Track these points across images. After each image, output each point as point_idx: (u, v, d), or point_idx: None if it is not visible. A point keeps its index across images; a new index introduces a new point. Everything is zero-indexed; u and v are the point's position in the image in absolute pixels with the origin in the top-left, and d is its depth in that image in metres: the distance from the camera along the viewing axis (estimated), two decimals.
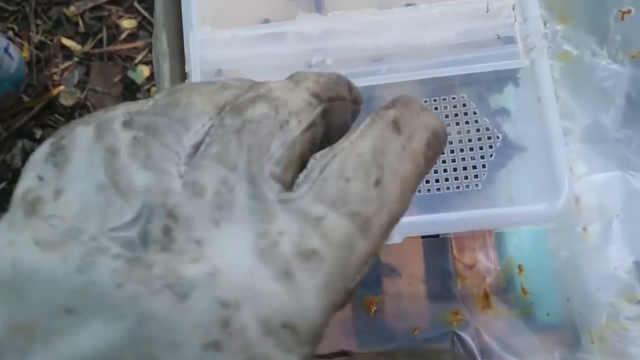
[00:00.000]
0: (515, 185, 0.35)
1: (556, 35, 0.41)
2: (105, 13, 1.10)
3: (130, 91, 1.08)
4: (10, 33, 1.10)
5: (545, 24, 0.42)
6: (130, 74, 1.08)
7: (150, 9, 1.10)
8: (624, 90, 0.41)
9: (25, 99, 1.07)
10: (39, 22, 1.10)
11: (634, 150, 0.40)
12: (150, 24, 1.10)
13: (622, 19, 0.41)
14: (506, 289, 0.37)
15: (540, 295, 0.37)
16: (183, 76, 0.39)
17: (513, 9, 0.36)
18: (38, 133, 1.06)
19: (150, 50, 1.09)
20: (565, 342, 0.35)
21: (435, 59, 0.36)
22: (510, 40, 0.36)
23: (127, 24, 1.10)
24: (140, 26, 1.10)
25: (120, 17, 1.10)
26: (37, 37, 1.09)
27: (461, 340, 0.35)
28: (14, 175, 1.04)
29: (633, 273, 0.35)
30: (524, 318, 0.36)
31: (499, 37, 0.36)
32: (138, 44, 1.09)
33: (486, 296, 0.36)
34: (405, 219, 0.32)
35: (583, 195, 0.38)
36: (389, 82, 0.36)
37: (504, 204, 0.35)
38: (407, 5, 0.37)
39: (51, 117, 1.06)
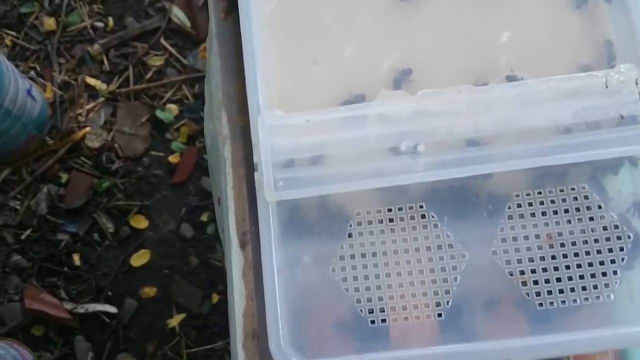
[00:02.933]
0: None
1: None
2: (130, 50, 1.08)
3: (159, 131, 1.05)
4: (33, 73, 1.07)
5: None
6: (159, 113, 1.05)
7: (178, 46, 1.08)
8: None
9: (50, 141, 1.04)
10: (62, 60, 1.08)
11: None
12: (179, 61, 1.07)
13: None
14: None
15: None
16: (245, 161, 0.35)
17: (636, 83, 0.30)
18: (64, 177, 1.04)
19: (179, 89, 1.06)
20: None
21: (547, 142, 0.31)
22: (634, 120, 0.30)
23: (154, 61, 1.07)
24: (167, 63, 1.07)
25: (146, 54, 1.07)
26: (60, 77, 1.07)
27: None
28: (39, 222, 1.01)
29: None
30: None
31: (622, 117, 0.30)
32: (166, 81, 1.06)
33: None
34: (521, 341, 0.27)
35: None
36: (494, 171, 0.31)
37: (633, 317, 0.29)
38: (509, 79, 0.32)
39: (77, 160, 1.04)
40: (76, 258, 1.01)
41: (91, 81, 1.07)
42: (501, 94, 0.32)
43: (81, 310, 0.99)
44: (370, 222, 0.32)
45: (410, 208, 0.32)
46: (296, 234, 0.32)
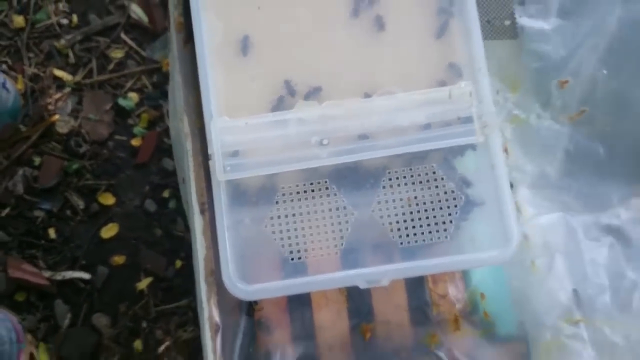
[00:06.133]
0: (477, 234, 0.44)
1: (507, 102, 0.51)
2: (93, 44, 1.17)
3: (122, 117, 1.15)
4: (5, 67, 1.16)
5: (497, 92, 0.51)
6: (121, 101, 1.15)
7: (137, 40, 1.18)
8: (564, 146, 0.50)
9: (23, 129, 1.13)
10: (31, 55, 1.16)
11: (573, 196, 0.49)
12: (138, 53, 1.17)
13: (562, 87, 0.51)
14: (471, 313, 0.47)
15: (499, 317, 0.47)
16: (202, 152, 0.48)
17: (470, 95, 0.45)
18: (37, 160, 1.12)
19: (139, 78, 1.16)
20: (519, 355, 0.45)
21: (410, 136, 0.45)
22: (468, 120, 0.45)
23: (115, 54, 1.16)
24: (127, 55, 1.17)
25: (108, 47, 1.17)
26: (30, 70, 1.15)
27: (437, 357, 0.45)
28: (17, 201, 1.11)
29: (572, 299, 0.45)
30: (486, 336, 0.46)
31: (459, 118, 0.45)
32: (127, 72, 1.16)
33: (456, 320, 0.46)
34: (390, 266, 0.41)
35: (531, 234, 0.48)
36: (376, 155, 0.45)
37: (467, 250, 0.44)
38: (387, 92, 0.46)
39: (48, 144, 1.13)
40: (52, 232, 1.10)
41: (59, 73, 1.16)
42: (381, 103, 0.46)
43: (59, 278, 1.07)
44: (291, 193, 0.46)
45: (319, 183, 0.46)
46: (239, 203, 0.46)
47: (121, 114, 1.15)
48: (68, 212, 1.12)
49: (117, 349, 1.08)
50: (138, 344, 1.08)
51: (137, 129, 1.14)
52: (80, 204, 1.13)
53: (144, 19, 1.18)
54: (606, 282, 0.47)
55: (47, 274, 1.09)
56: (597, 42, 0.50)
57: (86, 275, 1.10)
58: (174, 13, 0.49)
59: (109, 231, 1.12)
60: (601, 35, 0.50)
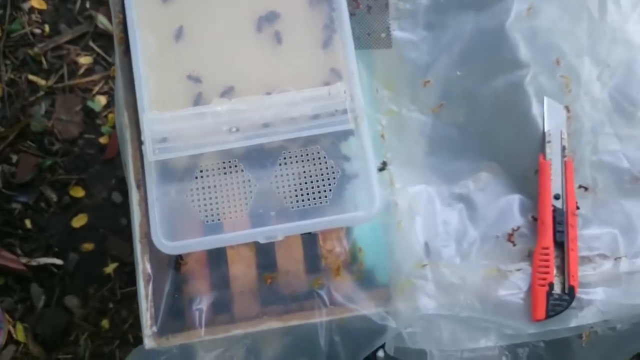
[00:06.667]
0: (351, 200, 0.57)
1: (384, 98, 0.64)
2: (64, 52, 1.28)
3: (90, 118, 1.26)
4: None
5: (377, 91, 0.64)
6: (90, 103, 1.26)
7: (104, 47, 1.29)
8: (427, 133, 0.63)
9: (1, 129, 1.24)
10: (8, 62, 1.27)
11: (434, 171, 0.62)
12: (105, 60, 1.29)
13: (425, 86, 0.64)
14: (351, 264, 0.59)
15: (372, 266, 0.59)
16: (137, 138, 0.60)
17: (344, 92, 0.58)
18: (14, 158, 1.22)
19: (106, 83, 1.28)
20: (384, 295, 0.58)
21: (300, 125, 0.58)
22: (344, 112, 0.58)
23: (84, 60, 1.27)
24: (95, 62, 1.28)
25: (78, 54, 1.28)
26: (7, 75, 1.26)
27: (320, 296, 0.58)
28: None
29: (423, 250, 0.59)
30: (360, 281, 0.59)
31: (336, 110, 0.58)
32: (95, 77, 1.27)
33: (338, 269, 0.59)
34: (283, 225, 0.54)
35: (400, 201, 0.61)
36: (274, 140, 0.58)
37: (343, 212, 0.57)
38: (282, 90, 0.59)
39: (24, 143, 1.23)
40: (28, 222, 1.19)
41: (33, 78, 1.25)
42: (278, 99, 0.58)
43: (34, 264, 1.16)
44: (207, 170, 0.58)
45: (229, 162, 0.58)
46: (166, 180, 0.58)
47: (90, 115, 1.25)
48: (42, 205, 1.22)
49: (86, 327, 1.18)
50: (105, 323, 1.17)
51: (104, 128, 1.25)
52: (54, 196, 1.22)
53: (110, 28, 1.28)
54: (452, 237, 0.60)
55: (23, 260, 1.17)
56: (453, 49, 0.63)
57: (59, 261, 1.19)
58: (116, 30, 0.62)
59: (79, 221, 1.22)
60: (457, 44, 0.63)
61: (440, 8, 0.64)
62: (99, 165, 1.24)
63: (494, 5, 0.63)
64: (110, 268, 1.20)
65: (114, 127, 1.25)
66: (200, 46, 0.60)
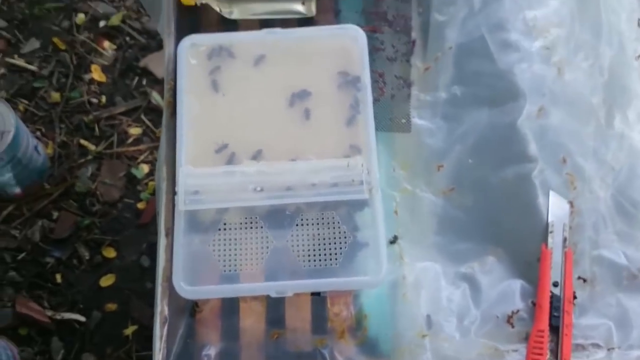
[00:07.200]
0: (360, 265, 0.61)
1: (400, 177, 0.69)
2: (117, 122, 1.39)
3: (132, 184, 1.35)
4: (38, 133, 1.37)
5: (394, 169, 0.69)
6: (133, 170, 1.35)
7: (154, 121, 1.39)
8: (438, 213, 0.68)
9: (47, 186, 1.33)
10: (62, 126, 1.38)
11: (441, 250, 0.66)
12: (152, 132, 1.38)
13: (439, 170, 0.69)
14: (356, 328, 0.63)
15: (376, 333, 0.62)
16: (172, 190, 0.66)
17: (362, 166, 0.63)
18: (55, 214, 1.31)
19: (151, 153, 1.37)
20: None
21: (319, 190, 0.63)
22: (360, 183, 0.63)
23: (134, 131, 1.38)
24: (144, 133, 1.38)
25: (129, 125, 1.39)
26: (60, 138, 1.37)
27: (323, 356, 0.61)
28: (33, 248, 1.29)
29: (425, 321, 0.62)
30: (362, 346, 0.61)
31: (353, 181, 0.63)
32: (141, 147, 1.37)
33: (342, 332, 0.62)
34: (296, 282, 0.58)
35: (408, 275, 0.65)
36: (294, 202, 0.63)
37: (351, 276, 0.61)
38: (307, 159, 0.65)
39: (67, 202, 1.32)
40: (58, 277, 1.26)
41: (84, 142, 1.36)
42: (301, 166, 0.64)
43: (58, 317, 1.22)
44: (230, 224, 0.63)
45: (251, 218, 0.63)
46: (193, 229, 0.63)
47: (132, 181, 1.35)
48: (75, 261, 1.29)
49: None
50: None
51: (143, 195, 1.33)
52: (86, 254, 1.29)
53: (161, 104, 1.39)
54: (454, 314, 0.63)
55: (49, 313, 1.24)
56: (467, 139, 0.68)
57: (82, 318, 1.25)
58: (166, 95, 0.69)
59: (107, 280, 1.28)
60: (470, 135, 0.68)
61: (457, 102, 0.70)
62: (133, 228, 1.32)
63: (507, 103, 0.68)
64: (129, 330, 1.25)
65: (152, 193, 1.33)
66: (238, 113, 0.67)
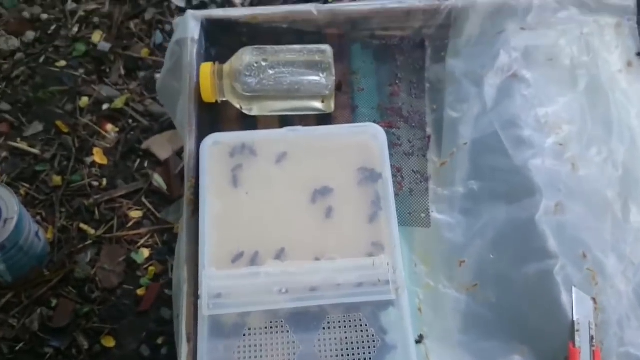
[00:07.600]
0: None
1: (422, 274, 0.69)
2: (117, 205, 1.38)
3: (132, 269, 1.32)
4: (39, 217, 1.36)
5: (415, 265, 0.69)
6: (133, 255, 1.33)
7: (155, 203, 1.38)
8: (461, 310, 0.67)
9: (46, 272, 1.30)
10: (63, 209, 1.37)
11: (466, 348, 0.65)
12: (154, 215, 1.37)
13: (460, 266, 0.69)
14: None
15: None
16: (194, 292, 0.65)
17: (388, 264, 0.63)
18: (54, 302, 1.28)
19: (152, 236, 1.36)
20: None
21: (345, 291, 0.63)
22: (386, 282, 0.63)
23: (135, 214, 1.36)
24: (145, 216, 1.37)
25: (129, 208, 1.37)
26: (60, 222, 1.35)
27: None
28: (31, 337, 1.25)
29: None
30: None
31: (379, 280, 0.63)
32: (142, 230, 1.35)
33: None
34: None
35: None
36: (319, 304, 0.63)
37: None
38: (331, 259, 0.65)
39: (65, 288, 1.29)
40: None
41: (84, 227, 1.34)
42: (326, 266, 0.64)
43: None
44: (255, 329, 0.63)
45: (276, 322, 0.63)
46: (216, 335, 0.62)
47: (132, 266, 1.32)
48: (73, 351, 1.24)
49: None
50: None
51: (143, 280, 1.31)
52: (85, 344, 1.25)
53: (163, 186, 1.38)
54: None
55: None
56: (486, 234, 0.69)
57: None
58: (187, 192, 0.69)
59: None
60: (490, 230, 0.69)
61: (474, 197, 0.71)
62: (132, 316, 1.28)
63: (524, 199, 0.69)
64: None
65: (153, 279, 1.30)
66: (260, 211, 0.67)
